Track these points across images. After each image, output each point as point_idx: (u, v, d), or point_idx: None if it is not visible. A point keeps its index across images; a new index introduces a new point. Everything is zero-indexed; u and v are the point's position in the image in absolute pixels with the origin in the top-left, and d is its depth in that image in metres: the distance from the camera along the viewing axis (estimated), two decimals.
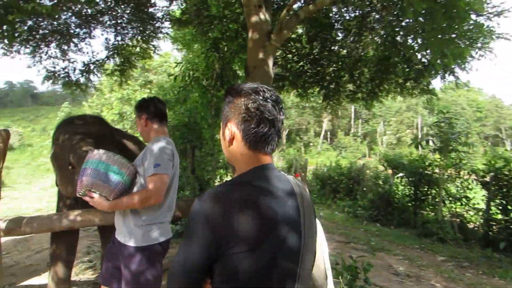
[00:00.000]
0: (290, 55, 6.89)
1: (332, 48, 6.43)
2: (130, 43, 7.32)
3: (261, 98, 1.06)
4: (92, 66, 7.26)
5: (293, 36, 6.54)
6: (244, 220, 0.93)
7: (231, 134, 1.09)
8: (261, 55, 3.72)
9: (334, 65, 6.55)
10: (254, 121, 1.05)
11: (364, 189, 10.35)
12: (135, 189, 2.08)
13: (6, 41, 5.50)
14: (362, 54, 6.16)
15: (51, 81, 7.23)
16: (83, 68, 7.18)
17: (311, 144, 41.79)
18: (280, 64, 6.94)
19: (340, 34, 6.26)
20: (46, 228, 2.74)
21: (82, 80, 7.25)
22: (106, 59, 7.35)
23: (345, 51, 6.41)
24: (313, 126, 43.34)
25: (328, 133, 44.70)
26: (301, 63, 6.82)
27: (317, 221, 2.33)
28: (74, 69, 7.14)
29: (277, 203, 1.00)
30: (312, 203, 1.17)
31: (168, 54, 22.31)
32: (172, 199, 2.17)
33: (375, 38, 5.58)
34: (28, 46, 6.42)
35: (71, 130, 2.83)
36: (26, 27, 5.89)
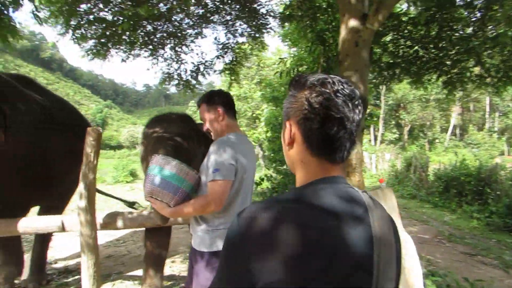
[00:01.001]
0: (402, 40, 6.22)
1: (455, 27, 5.58)
2: (239, 40, 7.51)
3: (328, 91, 0.84)
4: (201, 67, 7.66)
5: (404, 18, 5.89)
6: (290, 252, 0.70)
7: (290, 135, 0.90)
8: (354, 41, 3.31)
9: (457, 47, 5.68)
10: (317, 119, 0.84)
11: (498, 192, 8.86)
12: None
13: (123, 47, 6.11)
14: (492, 32, 5.21)
15: (167, 82, 7.88)
16: (194, 69, 7.63)
17: (437, 140, 38.09)
18: (390, 50, 6.34)
19: (463, 11, 5.39)
20: (136, 224, 2.87)
21: (192, 81, 7.71)
22: (215, 58, 7.68)
23: (470, 29, 5.51)
24: (439, 121, 39.42)
25: (457, 128, 40.14)
26: (415, 48, 6.10)
27: (407, 237, 1.93)
28: (186, 70, 7.63)
29: (339, 231, 0.75)
30: (396, 230, 0.87)
31: (280, 51, 22.61)
32: (242, 203, 2.01)
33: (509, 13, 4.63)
34: (146, 50, 7.06)
35: (152, 130, 2.84)
36: (142, 33, 6.48)
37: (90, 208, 2.49)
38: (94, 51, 6.03)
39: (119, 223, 2.84)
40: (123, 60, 6.70)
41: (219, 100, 2.09)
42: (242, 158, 1.93)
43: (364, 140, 26.57)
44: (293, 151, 0.91)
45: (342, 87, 0.84)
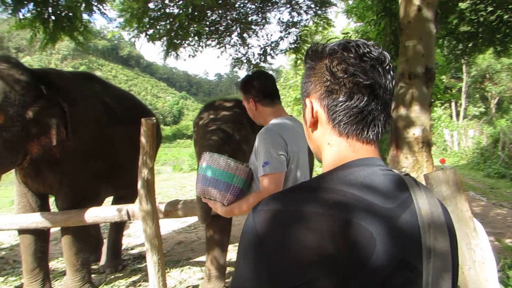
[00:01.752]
0: (481, 5, 5.61)
1: None
2: (304, 18, 7.36)
3: (352, 55, 0.71)
4: (268, 49, 7.66)
5: None
6: (317, 249, 0.58)
7: (312, 114, 0.77)
8: (417, 6, 3.04)
9: None
10: (343, 90, 0.71)
11: None
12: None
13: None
14: None
15: (237, 67, 8.03)
16: (261, 51, 7.66)
17: None
18: (469, 19, 5.75)
19: None
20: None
21: (261, 63, 7.75)
22: (279, 39, 7.62)
23: None
24: None
25: None
26: (498, 12, 5.47)
27: (478, 226, 1.67)
28: (253, 54, 7.70)
29: (378, 223, 0.61)
30: (449, 218, 0.72)
31: (345, 30, 21.73)
32: None
33: None
34: (213, 39, 7.24)
35: (201, 119, 2.80)
36: (208, 22, 6.63)
37: (150, 197, 2.59)
38: (167, 49, 6.29)
39: (180, 211, 2.93)
40: (190, 56, 6.93)
41: (250, 88, 1.97)
42: (291, 144, 1.80)
43: (444, 115, 24.70)
44: (317, 133, 0.78)
45: (368, 50, 0.71)
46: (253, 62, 7.69)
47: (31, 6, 3.83)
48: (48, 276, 3.25)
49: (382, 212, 0.62)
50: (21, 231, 3.12)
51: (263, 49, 7.59)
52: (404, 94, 3.10)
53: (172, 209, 2.92)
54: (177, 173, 17.15)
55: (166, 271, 3.60)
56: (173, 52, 6.33)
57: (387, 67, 0.72)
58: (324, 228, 0.59)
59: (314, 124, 0.78)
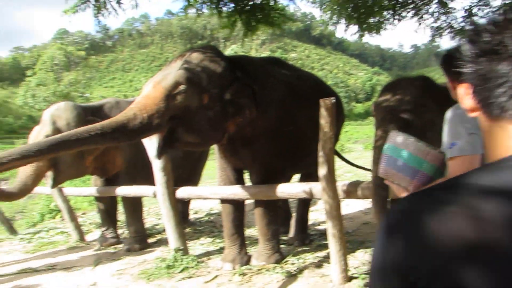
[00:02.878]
0: None
1: None
2: None
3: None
4: (475, 9, 6.52)
5: None
6: (476, 268, 0.43)
7: (467, 99, 0.63)
8: None
9: None
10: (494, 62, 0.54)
11: None
12: None
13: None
14: None
15: (438, 37, 7.17)
16: (465, 14, 6.60)
17: None
18: None
19: None
20: None
21: (466, 26, 6.70)
22: None
23: None
24: None
25: None
26: None
27: None
28: (455, 18, 6.71)
29: None
30: None
31: None
32: None
33: None
34: (409, 9, 6.61)
35: (382, 100, 2.49)
36: None
37: (330, 177, 2.57)
38: (361, 29, 6.09)
39: (359, 192, 2.79)
40: (382, 30, 6.50)
41: (449, 64, 1.58)
42: None
43: None
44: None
45: None
46: (456, 27, 6.68)
47: (231, 5, 4.33)
48: (244, 242, 3.66)
49: None
50: (222, 201, 3.60)
51: (468, 11, 6.49)
52: None
53: (353, 189, 2.82)
54: (368, 151, 16.74)
55: (349, 251, 3.56)
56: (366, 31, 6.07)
57: None
58: (490, 245, 0.44)
59: (473, 111, 0.63)
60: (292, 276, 3.22)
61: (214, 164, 3.95)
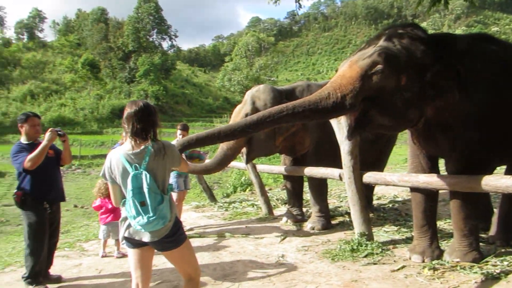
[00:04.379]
0: None
1: None
2: None
3: None
4: None
5: None
6: None
7: None
8: None
9: None
10: None
11: None
12: None
13: None
14: None
15: None
16: None
17: None
18: None
19: None
20: None
21: None
22: None
23: None
24: None
25: None
26: None
27: None
28: None
29: None
30: None
31: None
32: None
33: None
34: None
35: None
36: None
37: None
38: None
39: None
40: None
41: None
42: None
43: None
44: None
45: None
46: None
47: None
48: (435, 234, 3.40)
49: None
50: (412, 189, 3.40)
51: None
52: None
53: None
54: None
55: None
56: None
57: None
58: None
59: None
60: (494, 279, 2.86)
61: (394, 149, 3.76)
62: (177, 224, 2.33)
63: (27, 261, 3.43)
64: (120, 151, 2.25)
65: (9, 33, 66.42)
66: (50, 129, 3.47)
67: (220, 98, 59.82)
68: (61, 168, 3.84)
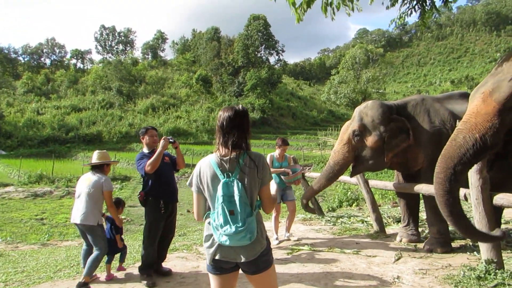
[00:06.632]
0: None
1: None
2: None
3: None
4: None
5: None
6: None
7: None
8: None
9: None
10: None
11: None
12: None
13: None
14: None
15: None
16: None
17: None
18: None
19: None
20: None
21: None
22: None
23: None
24: None
25: None
26: None
27: None
28: None
29: None
30: None
31: None
32: None
33: None
34: None
35: None
36: None
37: None
38: None
39: None
40: None
41: None
42: None
43: None
44: None
45: None
46: None
47: None
48: None
49: None
50: None
51: None
52: None
53: None
54: None
55: None
56: None
57: None
58: None
59: None
60: None
61: None
62: (269, 243, 2.16)
63: (142, 254, 4.03)
64: (211, 157, 2.11)
65: (137, 53, 75.16)
66: (163, 138, 4.05)
67: (324, 111, 59.51)
68: (175, 174, 4.38)
